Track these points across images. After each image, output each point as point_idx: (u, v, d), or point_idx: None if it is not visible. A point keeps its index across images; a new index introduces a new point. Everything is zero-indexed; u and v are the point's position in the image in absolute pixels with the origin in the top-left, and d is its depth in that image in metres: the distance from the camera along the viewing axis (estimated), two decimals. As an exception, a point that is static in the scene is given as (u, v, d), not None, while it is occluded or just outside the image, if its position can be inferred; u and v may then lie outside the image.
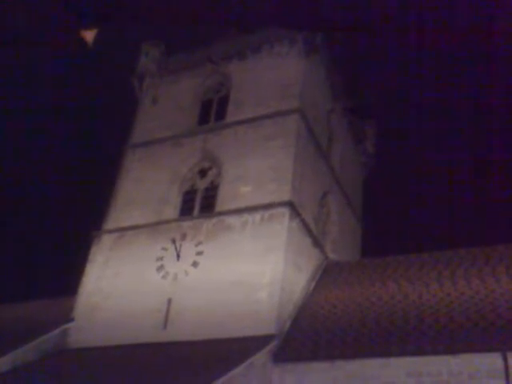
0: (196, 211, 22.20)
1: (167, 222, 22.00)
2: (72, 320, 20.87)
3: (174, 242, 20.76)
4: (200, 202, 22.45)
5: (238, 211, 20.71)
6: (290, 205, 20.29)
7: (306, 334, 17.87)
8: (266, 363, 16.56)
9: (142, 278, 20.66)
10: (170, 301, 19.63)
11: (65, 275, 27.19)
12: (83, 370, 17.98)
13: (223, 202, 21.49)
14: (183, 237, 20.96)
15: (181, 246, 20.63)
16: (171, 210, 22.48)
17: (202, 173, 23.32)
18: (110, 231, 22.78)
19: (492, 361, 14.54)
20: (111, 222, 23.09)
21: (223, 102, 25.09)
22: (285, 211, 20.12)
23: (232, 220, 20.65)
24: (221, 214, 21.10)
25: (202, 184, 23.02)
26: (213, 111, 25.22)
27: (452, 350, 15.24)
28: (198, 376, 15.76)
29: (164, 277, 20.32)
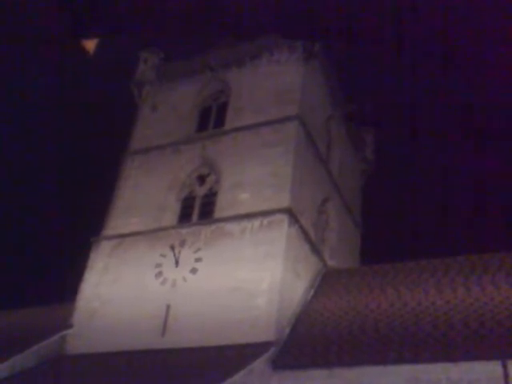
0: (195, 218, 22.20)
1: (166, 228, 21.98)
2: (70, 326, 20.82)
3: (172, 248, 20.74)
4: (199, 209, 22.44)
5: (237, 218, 20.69)
6: (289, 211, 20.29)
7: (305, 341, 17.84)
8: (265, 370, 16.53)
9: (141, 284, 20.63)
10: (168, 307, 19.59)
11: (63, 281, 27.14)
12: (81, 376, 17.95)
13: (222, 208, 21.48)
14: (182, 243, 20.94)
15: (179, 252, 20.60)
16: (170, 217, 22.48)
17: (201, 179, 23.31)
18: (109, 238, 22.75)
19: (491, 369, 14.49)
20: (110, 229, 23.07)
21: (222, 109, 25.11)
22: (284, 218, 20.11)
23: (231, 227, 20.63)
24: (219, 220, 21.09)
25: (200, 191, 23.01)
26: (212, 118, 25.24)
27: (451, 357, 15.19)
28: (196, 383, 15.74)
29: (163, 283, 20.29)
